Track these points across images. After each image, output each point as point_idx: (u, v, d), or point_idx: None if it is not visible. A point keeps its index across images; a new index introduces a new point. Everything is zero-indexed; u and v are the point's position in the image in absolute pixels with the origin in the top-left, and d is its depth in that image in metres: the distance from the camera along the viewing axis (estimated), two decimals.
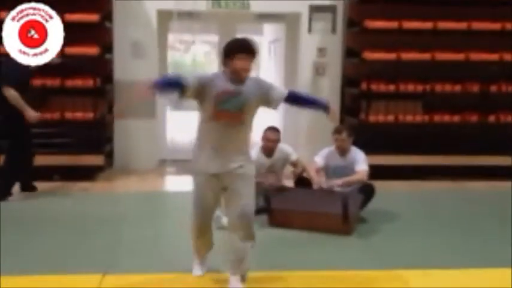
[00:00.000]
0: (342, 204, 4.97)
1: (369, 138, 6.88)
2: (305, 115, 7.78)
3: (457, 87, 7.61)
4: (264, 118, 8.94)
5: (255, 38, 13.82)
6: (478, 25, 7.52)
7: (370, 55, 7.60)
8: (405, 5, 7.69)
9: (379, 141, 7.27)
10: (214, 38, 9.65)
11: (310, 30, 8.26)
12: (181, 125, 9.59)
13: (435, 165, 7.57)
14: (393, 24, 7.56)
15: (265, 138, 5.70)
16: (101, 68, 7.58)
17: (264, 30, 12.13)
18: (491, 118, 7.65)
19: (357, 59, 7.78)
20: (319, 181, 5.54)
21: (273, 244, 4.85)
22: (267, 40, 12.08)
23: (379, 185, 5.62)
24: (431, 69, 7.72)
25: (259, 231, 5.16)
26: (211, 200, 3.68)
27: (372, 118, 7.59)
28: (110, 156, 7.90)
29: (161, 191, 7.32)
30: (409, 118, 7.59)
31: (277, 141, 5.71)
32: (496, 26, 7.53)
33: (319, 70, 8.31)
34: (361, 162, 5.49)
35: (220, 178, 3.60)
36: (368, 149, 5.87)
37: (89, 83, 7.23)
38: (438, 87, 7.60)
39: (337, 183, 5.36)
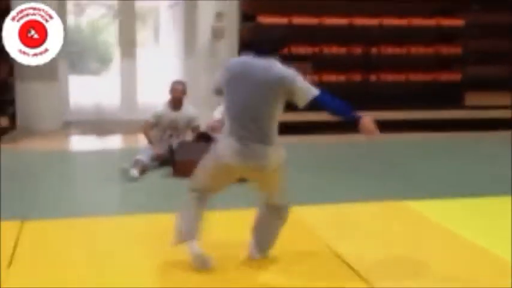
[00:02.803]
0: None
1: None
2: (204, 77, 8.24)
3: (342, 50, 8.36)
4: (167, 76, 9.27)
5: (153, 3, 13.89)
6: None
7: (264, 19, 8.13)
8: None
9: None
10: (109, 2, 9.75)
11: None
12: (84, 88, 9.76)
13: (324, 121, 8.26)
14: None
15: (172, 89, 6.13)
16: None
17: None
18: (373, 77, 8.49)
19: (252, 23, 8.29)
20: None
21: (179, 191, 5.34)
22: (165, 4, 12.28)
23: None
24: (319, 33, 8.40)
25: (166, 180, 5.67)
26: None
27: None
28: (12, 118, 7.97)
29: (67, 150, 7.54)
30: None
31: (183, 92, 6.17)
32: None
33: (217, 34, 8.73)
34: None
35: None
36: None
37: None
38: (326, 49, 8.32)
39: None
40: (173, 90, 6.13)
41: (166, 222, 4.31)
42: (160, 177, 5.77)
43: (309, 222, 4.43)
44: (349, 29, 8.37)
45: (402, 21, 8.46)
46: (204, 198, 3.56)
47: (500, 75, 9.07)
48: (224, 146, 3.41)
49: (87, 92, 9.79)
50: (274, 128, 3.42)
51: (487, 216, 4.67)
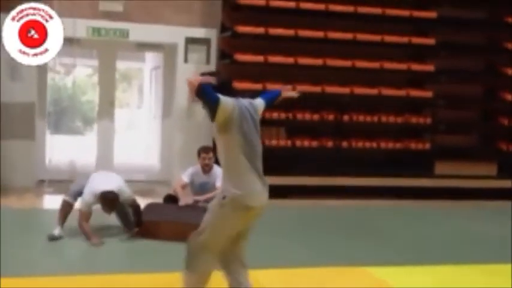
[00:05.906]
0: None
1: None
2: (179, 138, 8.41)
3: (316, 116, 8.58)
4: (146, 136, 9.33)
5: (137, 65, 14.25)
6: (331, 62, 8.60)
7: (240, 85, 8.34)
8: (270, 41, 8.61)
9: None
10: (96, 62, 10.04)
11: (186, 60, 8.92)
12: (64, 147, 9.86)
13: (296, 185, 8.43)
14: (259, 58, 8.44)
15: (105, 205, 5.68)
16: None
17: (146, 57, 12.65)
18: (344, 143, 8.68)
19: (228, 87, 8.50)
20: (185, 199, 6.09)
21: (146, 251, 5.40)
22: (149, 67, 12.60)
23: None
24: (292, 99, 8.60)
25: (132, 242, 5.69)
26: None
27: None
28: None
29: (38, 208, 7.54)
30: (273, 142, 8.45)
31: (116, 203, 5.69)
32: (347, 63, 8.64)
33: (195, 98, 8.91)
34: (221, 178, 6.12)
35: None
36: None
37: None
38: (299, 115, 8.53)
39: (200, 199, 5.99)
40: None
41: (140, 282, 4.36)
42: (125, 240, 5.79)
43: (266, 285, 4.47)
44: (321, 96, 8.62)
45: (372, 91, 8.73)
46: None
47: (468, 145, 9.33)
48: (249, 188, 3.52)
49: (67, 151, 9.87)
50: None
51: (448, 284, 4.75)
